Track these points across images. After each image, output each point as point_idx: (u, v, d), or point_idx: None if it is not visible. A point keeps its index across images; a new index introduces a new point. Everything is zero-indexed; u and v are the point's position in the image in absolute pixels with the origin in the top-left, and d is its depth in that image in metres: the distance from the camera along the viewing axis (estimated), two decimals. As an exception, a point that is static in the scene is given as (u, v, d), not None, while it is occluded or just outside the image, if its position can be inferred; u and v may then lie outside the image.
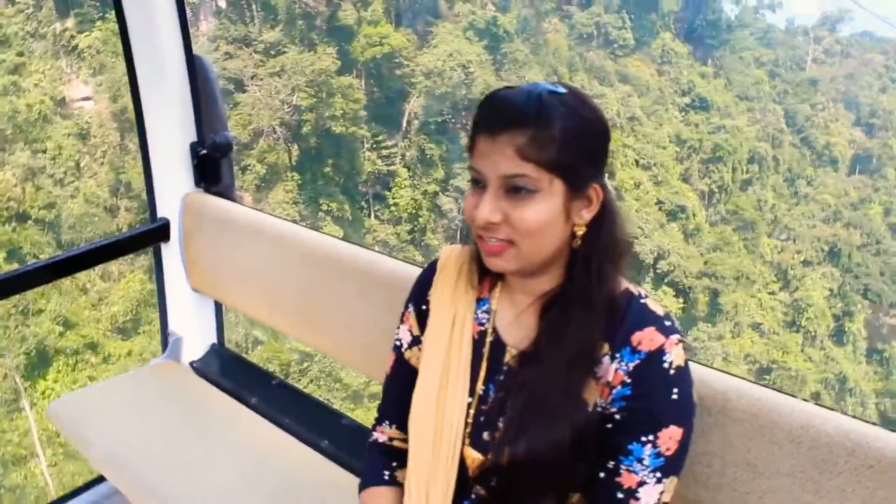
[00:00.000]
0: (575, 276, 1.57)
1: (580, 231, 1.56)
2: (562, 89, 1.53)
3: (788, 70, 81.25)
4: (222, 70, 43.48)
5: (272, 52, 46.75)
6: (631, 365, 1.52)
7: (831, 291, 59.97)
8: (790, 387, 53.64)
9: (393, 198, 50.53)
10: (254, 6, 47.38)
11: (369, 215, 50.21)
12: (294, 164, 44.26)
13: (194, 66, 3.02)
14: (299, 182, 43.99)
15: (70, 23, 47.68)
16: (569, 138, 1.47)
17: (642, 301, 1.59)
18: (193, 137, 3.11)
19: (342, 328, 2.69)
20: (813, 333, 57.55)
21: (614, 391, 1.54)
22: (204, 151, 3.09)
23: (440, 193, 50.99)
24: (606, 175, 1.61)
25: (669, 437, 1.50)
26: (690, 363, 1.62)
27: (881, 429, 1.71)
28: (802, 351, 56.50)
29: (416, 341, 1.85)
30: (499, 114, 1.48)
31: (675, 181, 60.11)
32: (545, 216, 1.49)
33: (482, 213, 1.50)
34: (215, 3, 49.99)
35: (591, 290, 1.55)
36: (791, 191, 68.81)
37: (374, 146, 48.62)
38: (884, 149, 77.12)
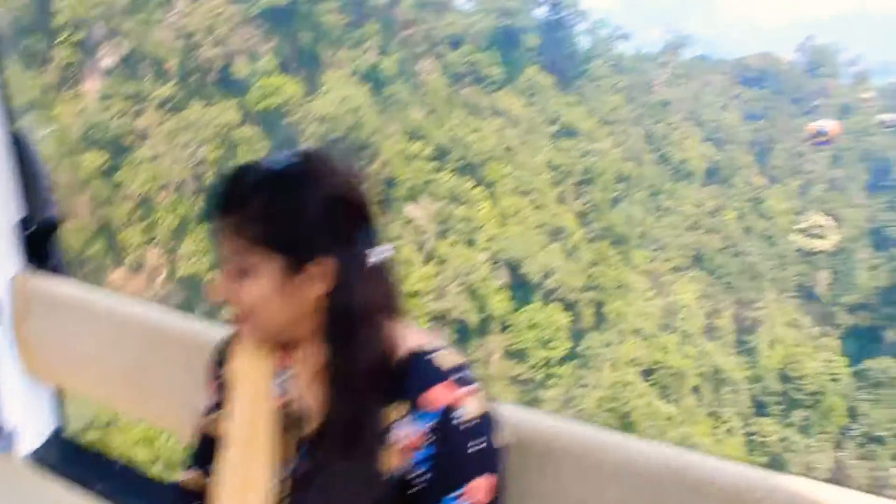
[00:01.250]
0: (329, 348, 1.61)
1: (317, 304, 1.61)
2: (292, 160, 1.66)
3: (642, 94, 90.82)
4: (132, 126, 46.62)
5: (168, 108, 50.14)
6: (427, 426, 1.56)
7: (700, 293, 68.36)
8: (673, 383, 61.15)
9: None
10: (145, 63, 50.59)
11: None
12: (203, 215, 47.58)
13: (18, 143, 2.99)
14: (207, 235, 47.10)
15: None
16: (277, 216, 1.55)
17: (428, 358, 1.61)
18: (19, 215, 3.05)
19: (176, 401, 2.64)
20: (688, 332, 65.46)
21: (416, 454, 1.57)
22: (32, 229, 3.04)
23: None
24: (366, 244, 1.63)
25: (478, 488, 1.55)
26: (513, 407, 1.88)
27: (704, 455, 1.85)
28: (680, 349, 64.21)
29: (216, 407, 1.91)
30: (217, 196, 1.61)
31: (553, 204, 66.91)
32: (260, 293, 1.58)
33: (216, 292, 1.63)
34: (99, 62, 52.71)
35: (349, 360, 1.58)
36: (655, 205, 77.41)
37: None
38: (731, 160, 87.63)
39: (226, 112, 46.92)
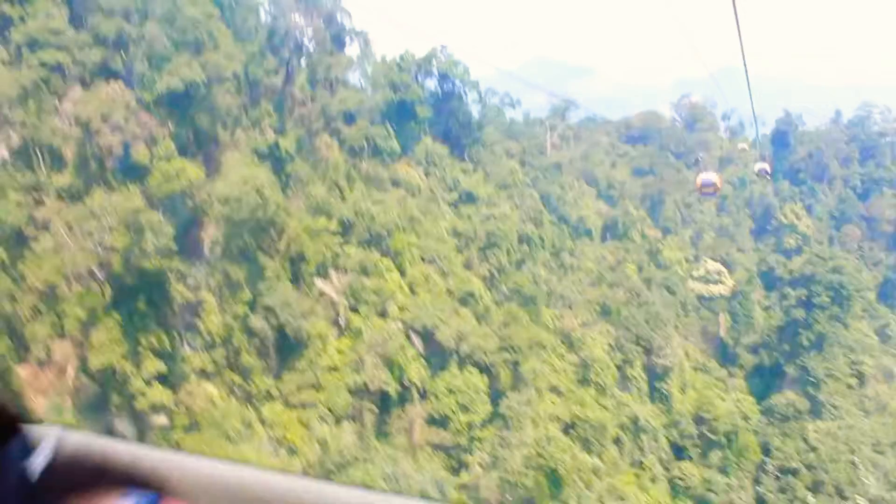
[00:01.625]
0: None
1: None
2: None
3: (534, 157, 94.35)
4: (28, 218, 45.61)
5: (65, 196, 49.39)
6: None
7: (610, 345, 70.49)
8: (594, 436, 62.54)
9: (204, 325, 53.93)
10: (39, 152, 49.81)
11: (182, 345, 53.07)
12: (112, 303, 46.58)
13: None
14: (120, 322, 46.36)
15: None
16: None
17: None
18: None
19: None
20: (602, 385, 67.24)
21: None
22: None
23: (250, 314, 55.07)
24: None
25: None
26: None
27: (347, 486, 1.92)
28: (597, 402, 65.84)
29: None
30: None
31: (460, 270, 68.27)
32: None
33: None
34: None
35: None
36: (558, 263, 79.84)
37: (179, 277, 52.01)
38: (626, 215, 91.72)
39: (130, 198, 46.47)
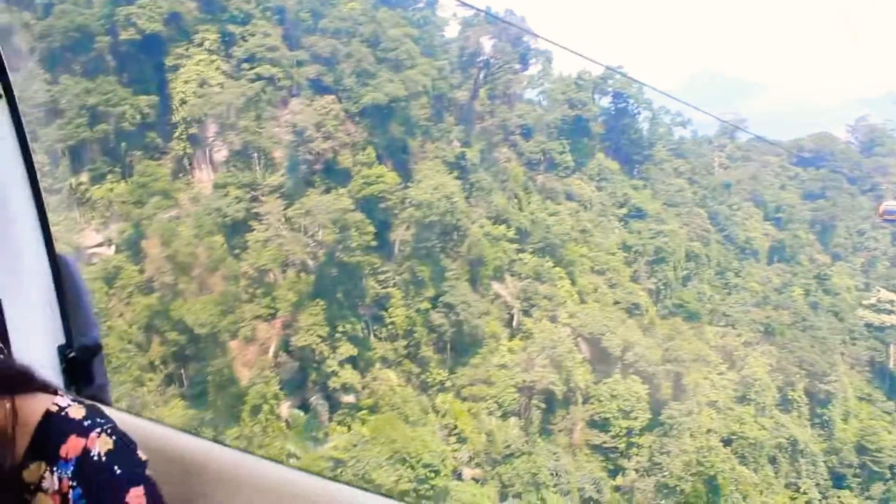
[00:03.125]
0: None
1: None
2: None
3: (702, 176, 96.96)
4: (247, 211, 54.06)
5: (277, 194, 57.57)
6: (70, 472, 1.90)
7: (771, 366, 72.74)
8: (751, 454, 65.47)
9: (389, 317, 60.90)
10: (256, 154, 58.27)
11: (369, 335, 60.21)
12: (316, 291, 54.12)
13: (58, 268, 3.05)
14: (323, 308, 53.91)
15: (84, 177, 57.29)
16: None
17: (63, 413, 1.96)
18: (61, 340, 3.07)
19: None
20: (762, 404, 69.77)
21: (71, 495, 1.90)
22: (73, 354, 3.05)
23: (431, 310, 61.61)
24: None
25: (136, 496, 1.90)
26: (167, 426, 2.33)
27: (344, 484, 2.15)
28: (756, 421, 68.44)
29: None
30: None
31: (627, 282, 72.62)
32: None
33: None
34: (209, 153, 60.40)
35: None
36: (723, 282, 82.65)
37: (372, 272, 59.24)
38: (794, 239, 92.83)
39: (339, 199, 53.88)
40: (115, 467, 1.91)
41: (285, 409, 54.11)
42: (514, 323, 64.48)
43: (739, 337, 74.76)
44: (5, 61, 2.52)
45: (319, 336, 53.69)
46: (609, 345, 64.72)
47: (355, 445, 51.57)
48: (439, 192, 58.53)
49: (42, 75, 57.98)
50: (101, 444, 1.92)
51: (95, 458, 1.91)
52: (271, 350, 54.16)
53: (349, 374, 55.26)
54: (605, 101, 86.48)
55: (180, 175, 59.24)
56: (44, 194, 2.80)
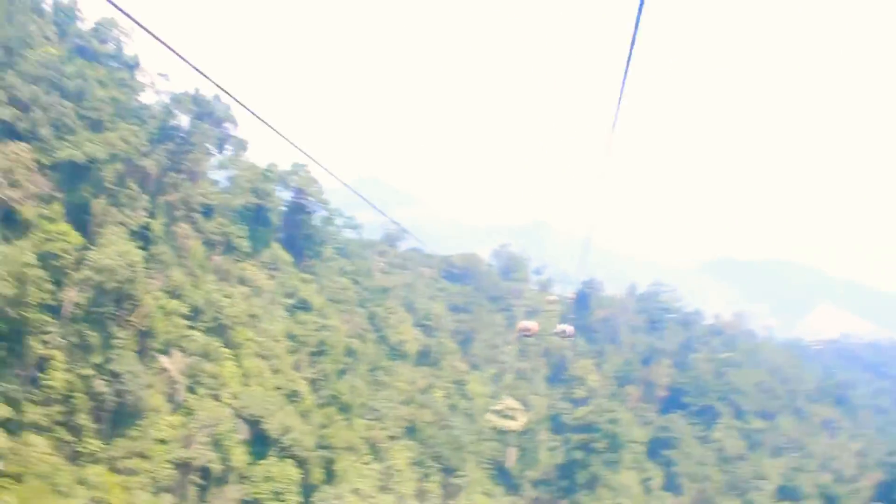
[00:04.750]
0: None
1: None
2: None
3: (365, 278, 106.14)
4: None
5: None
6: None
7: (412, 459, 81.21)
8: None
9: (49, 380, 59.80)
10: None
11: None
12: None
13: None
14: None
15: None
16: None
17: None
18: None
19: None
20: (401, 493, 77.34)
21: None
22: None
23: (94, 377, 61.45)
24: None
25: None
26: None
27: None
28: (397, 510, 75.74)
29: None
30: None
31: (289, 370, 77.49)
32: None
33: None
34: None
35: None
36: (374, 378, 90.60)
37: (38, 331, 58.21)
38: (439, 346, 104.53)
39: (22, 252, 52.96)
40: None
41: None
42: (178, 398, 66.15)
43: (385, 430, 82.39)
44: None
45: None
46: (268, 427, 68.64)
47: (-3, 514, 50.04)
48: (121, 260, 59.73)
49: None
50: None
51: None
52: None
53: (-1, 437, 53.58)
54: (288, 195, 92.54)
55: None
56: None
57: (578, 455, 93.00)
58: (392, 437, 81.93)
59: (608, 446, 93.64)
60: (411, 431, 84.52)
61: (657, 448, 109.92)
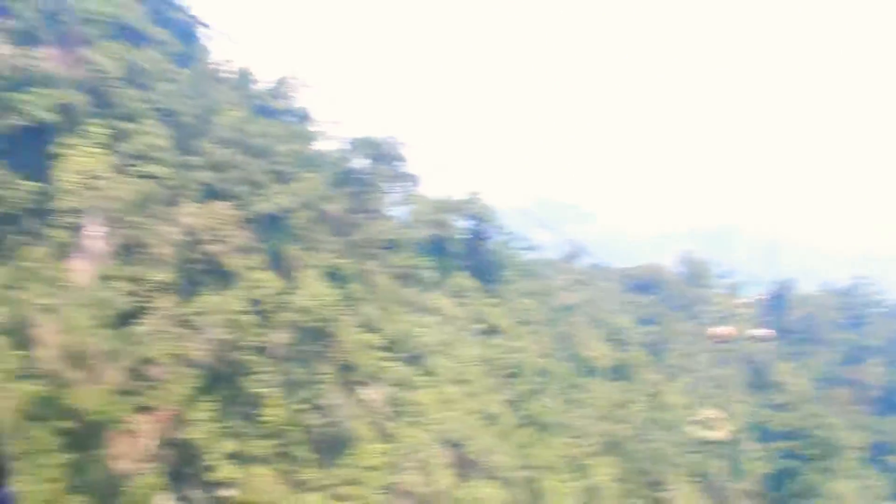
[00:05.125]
0: None
1: None
2: None
3: (548, 297, 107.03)
4: (137, 307, 57.02)
5: (165, 291, 60.98)
6: None
7: (615, 476, 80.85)
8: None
9: (267, 416, 64.31)
10: (143, 250, 61.73)
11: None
12: (204, 387, 57.62)
13: None
14: (211, 403, 57.46)
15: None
16: None
17: None
18: None
19: None
20: (601, 511, 77.34)
21: None
22: None
23: (305, 411, 65.56)
24: None
25: None
26: None
27: None
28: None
29: None
30: None
31: (485, 393, 79.30)
32: None
33: None
34: (91, 244, 63.04)
35: None
36: (568, 396, 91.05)
37: (254, 372, 63.16)
38: (631, 359, 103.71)
39: (233, 301, 58.10)
40: None
41: (163, 501, 56.07)
42: (382, 427, 69.23)
43: (584, 447, 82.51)
44: None
45: (205, 431, 56.66)
46: (470, 450, 70.56)
47: (237, 540, 54.22)
48: (318, 300, 63.64)
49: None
50: None
51: None
52: (155, 442, 56.49)
53: (229, 469, 58.04)
54: (466, 224, 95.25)
55: (60, 263, 61.35)
56: None
57: (789, 464, 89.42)
58: (592, 454, 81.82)
59: (821, 453, 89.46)
60: (611, 447, 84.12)
61: (878, 454, 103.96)
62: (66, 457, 52.00)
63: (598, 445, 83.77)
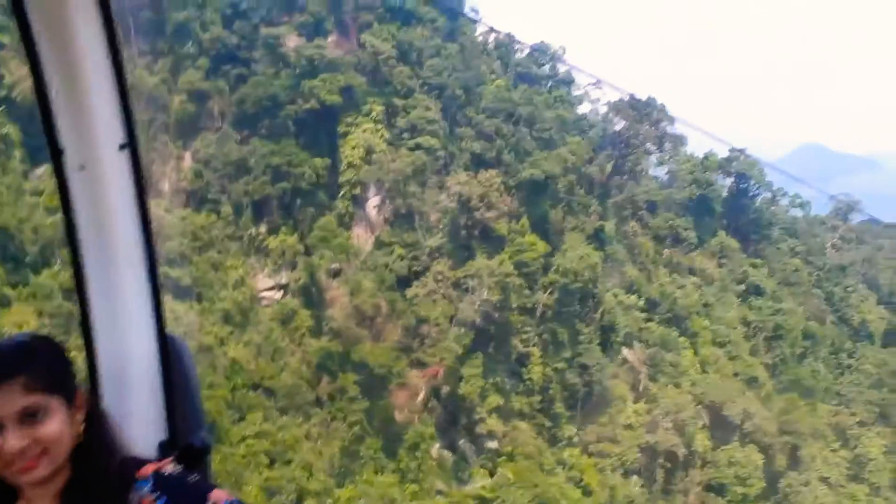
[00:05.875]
0: (86, 462, 2.21)
1: (81, 428, 2.22)
2: (28, 336, 2.24)
3: (816, 256, 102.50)
4: (413, 272, 63.25)
5: (439, 256, 66.68)
6: (147, 488, 2.22)
7: (887, 447, 77.80)
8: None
9: (528, 374, 68.64)
10: (418, 218, 67.66)
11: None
12: (474, 346, 62.99)
13: (168, 352, 2.79)
14: (480, 361, 62.87)
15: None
16: (51, 369, 2.16)
17: (137, 459, 2.31)
18: (163, 436, 2.80)
19: None
20: (876, 484, 74.95)
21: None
22: (173, 455, 2.72)
23: (566, 370, 69.27)
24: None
25: (218, 496, 2.24)
26: None
27: None
28: (870, 500, 73.53)
29: None
30: None
31: (747, 356, 79.35)
32: (60, 425, 2.14)
33: (11, 445, 2.07)
34: (371, 213, 69.72)
35: (102, 467, 2.22)
36: (837, 362, 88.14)
37: (518, 332, 67.62)
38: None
39: (503, 264, 62.89)
40: (189, 478, 2.32)
41: (436, 449, 62.32)
42: (641, 387, 71.68)
43: (853, 416, 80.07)
44: (133, 113, 2.50)
45: (474, 386, 62.11)
46: (728, 414, 71.26)
47: (501, 487, 59.29)
48: (583, 263, 66.67)
49: (234, 136, 68.30)
50: (171, 467, 2.33)
51: (167, 473, 2.29)
52: (430, 395, 62.78)
53: (494, 423, 63.29)
54: (729, 182, 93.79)
55: (345, 231, 68.68)
56: (158, 261, 2.68)
57: None
58: (861, 424, 79.42)
59: None
60: (884, 418, 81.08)
61: None
62: (362, 405, 59.48)
63: (870, 415, 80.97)
